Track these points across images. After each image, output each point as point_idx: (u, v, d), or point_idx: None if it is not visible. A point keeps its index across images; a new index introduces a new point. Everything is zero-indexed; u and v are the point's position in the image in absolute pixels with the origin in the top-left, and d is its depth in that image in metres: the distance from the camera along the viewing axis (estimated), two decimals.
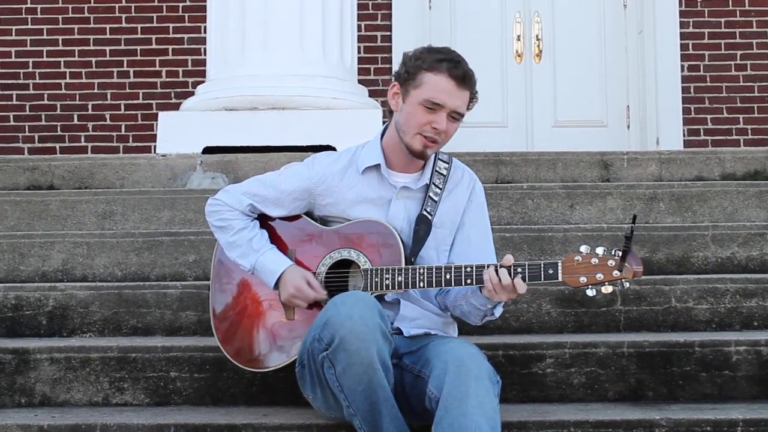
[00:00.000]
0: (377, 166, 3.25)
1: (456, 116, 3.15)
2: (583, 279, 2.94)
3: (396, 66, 3.27)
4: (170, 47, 7.57)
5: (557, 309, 3.95)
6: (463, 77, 3.12)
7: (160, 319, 3.98)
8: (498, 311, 3.18)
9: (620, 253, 2.91)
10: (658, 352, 3.56)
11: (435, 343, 3.09)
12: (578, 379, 3.55)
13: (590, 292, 2.95)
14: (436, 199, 3.24)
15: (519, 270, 2.97)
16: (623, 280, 2.93)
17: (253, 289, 3.32)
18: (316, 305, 3.17)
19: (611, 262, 2.92)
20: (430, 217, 3.22)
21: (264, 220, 3.33)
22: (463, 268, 3.03)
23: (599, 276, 2.93)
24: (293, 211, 3.31)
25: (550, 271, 2.97)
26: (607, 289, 2.94)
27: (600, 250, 2.94)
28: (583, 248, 2.95)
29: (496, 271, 2.97)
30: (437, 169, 3.28)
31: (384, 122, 3.31)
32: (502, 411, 2.93)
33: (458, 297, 3.17)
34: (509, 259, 2.99)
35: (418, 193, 3.26)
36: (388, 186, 3.25)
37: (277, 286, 3.20)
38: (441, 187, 3.26)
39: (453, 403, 2.80)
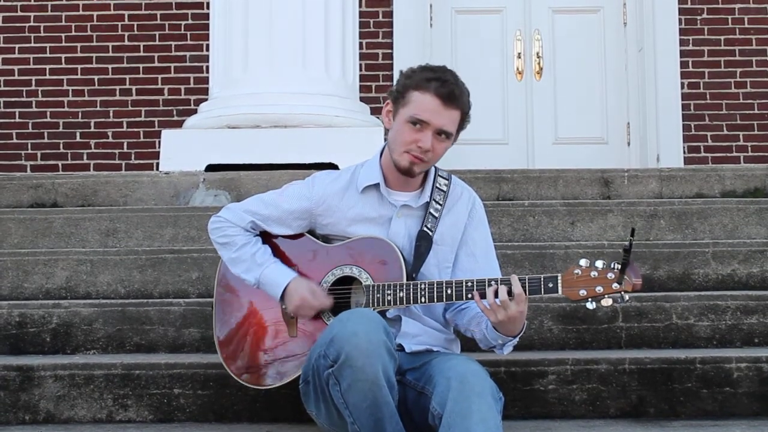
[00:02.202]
0: (377, 185, 3.26)
1: (443, 135, 3.14)
2: (582, 292, 2.95)
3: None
4: (172, 65, 7.61)
5: (559, 326, 3.96)
6: (449, 96, 3.10)
7: (164, 336, 3.99)
8: (507, 350, 3.16)
9: (619, 266, 2.92)
10: (659, 369, 3.57)
11: (438, 360, 3.09)
12: (580, 395, 3.56)
13: (590, 305, 2.96)
14: (436, 215, 3.25)
15: (514, 282, 2.99)
16: (623, 292, 2.94)
17: (256, 306, 3.33)
18: (320, 321, 3.19)
19: (610, 275, 2.94)
20: (430, 234, 3.23)
21: (266, 238, 3.34)
22: (464, 283, 3.04)
23: (599, 289, 2.94)
24: (295, 230, 3.32)
25: (550, 285, 2.98)
26: (607, 302, 2.94)
27: (599, 264, 2.95)
28: (583, 262, 2.97)
29: (495, 292, 2.98)
30: (437, 185, 3.29)
31: (385, 140, 3.33)
32: (505, 428, 2.93)
33: (472, 322, 3.19)
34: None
35: (419, 211, 3.27)
36: (388, 205, 3.26)
37: (282, 298, 3.22)
38: (441, 203, 3.27)
39: (456, 420, 2.81)
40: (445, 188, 3.29)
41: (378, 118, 6.15)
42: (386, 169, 3.27)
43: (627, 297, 2.95)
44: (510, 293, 2.97)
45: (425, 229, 3.23)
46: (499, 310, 2.97)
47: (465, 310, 3.23)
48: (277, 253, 3.31)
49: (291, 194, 3.32)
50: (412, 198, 3.27)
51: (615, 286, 2.93)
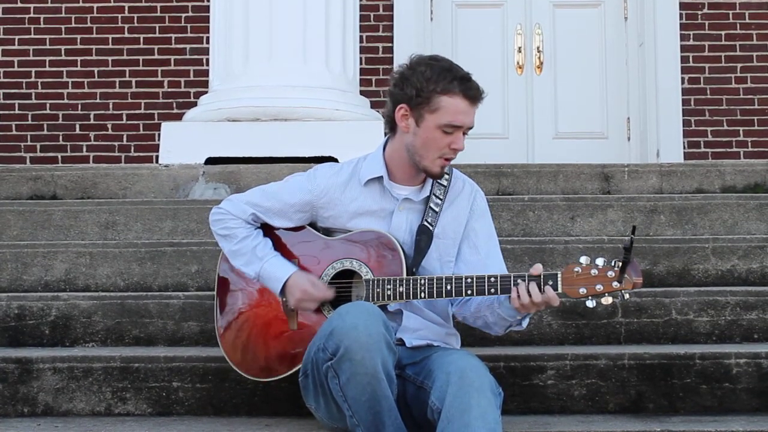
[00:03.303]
0: (379, 179, 3.26)
1: (467, 131, 3.18)
2: (582, 290, 2.95)
3: None
4: (172, 57, 7.59)
5: (558, 321, 3.96)
6: (476, 96, 3.14)
7: (163, 330, 3.99)
8: (525, 322, 3.18)
9: (620, 264, 2.92)
10: (658, 365, 3.57)
11: (437, 354, 3.10)
12: (579, 390, 3.56)
13: (590, 304, 2.96)
14: (437, 209, 3.25)
15: (519, 281, 2.99)
16: (623, 291, 2.94)
17: (256, 299, 3.33)
18: (320, 314, 3.19)
19: (611, 273, 2.94)
20: (431, 228, 3.23)
21: (267, 230, 3.34)
22: (464, 279, 3.05)
23: (599, 287, 2.94)
24: (297, 222, 3.32)
25: (550, 282, 2.99)
26: (607, 300, 2.95)
27: (600, 261, 2.95)
28: (583, 259, 2.97)
29: (527, 289, 2.99)
30: (438, 180, 3.29)
31: (386, 134, 3.32)
32: (504, 422, 2.94)
33: (482, 307, 3.17)
34: (538, 268, 3.02)
35: (420, 205, 3.27)
36: (390, 198, 3.26)
37: (283, 292, 3.21)
38: (442, 198, 3.27)
39: (455, 415, 2.81)
40: (445, 183, 3.29)
41: (378, 111, 6.15)
42: (390, 163, 3.27)
43: (627, 295, 2.95)
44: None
45: (425, 223, 3.23)
46: (534, 306, 3.01)
47: (471, 300, 3.22)
48: (278, 245, 3.31)
49: (292, 186, 3.32)
50: (414, 192, 3.27)
51: (615, 284, 2.93)
